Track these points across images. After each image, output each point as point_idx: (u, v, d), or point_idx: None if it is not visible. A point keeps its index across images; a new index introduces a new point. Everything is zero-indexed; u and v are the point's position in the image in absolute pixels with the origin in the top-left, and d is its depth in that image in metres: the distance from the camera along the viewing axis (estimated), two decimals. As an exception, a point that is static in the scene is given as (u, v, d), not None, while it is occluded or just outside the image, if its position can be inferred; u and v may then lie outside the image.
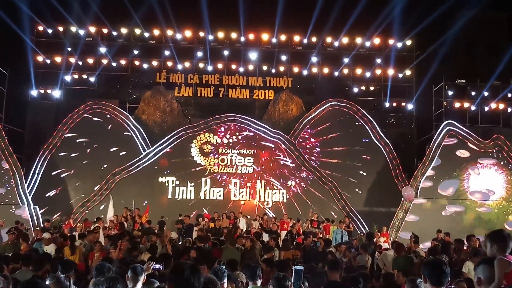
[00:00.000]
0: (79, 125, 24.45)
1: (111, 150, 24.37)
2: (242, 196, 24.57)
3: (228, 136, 24.94)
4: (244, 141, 24.94)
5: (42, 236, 13.83)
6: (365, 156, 24.85)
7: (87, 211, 23.13)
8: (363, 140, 25.09)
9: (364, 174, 24.72)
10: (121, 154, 24.29)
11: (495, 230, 5.41)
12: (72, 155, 24.05)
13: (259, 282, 6.48)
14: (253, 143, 24.93)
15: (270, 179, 24.70)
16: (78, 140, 24.23)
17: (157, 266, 7.42)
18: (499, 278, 4.73)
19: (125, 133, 24.61)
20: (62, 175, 23.91)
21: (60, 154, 23.99)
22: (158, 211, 21.45)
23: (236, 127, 25.03)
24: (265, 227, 19.46)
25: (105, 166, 24.08)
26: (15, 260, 9.11)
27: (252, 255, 12.26)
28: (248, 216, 21.80)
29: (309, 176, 24.64)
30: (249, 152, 24.85)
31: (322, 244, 13.95)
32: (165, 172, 24.42)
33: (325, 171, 24.54)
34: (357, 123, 25.32)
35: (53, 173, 23.73)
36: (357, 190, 24.64)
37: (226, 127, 25.01)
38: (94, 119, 24.63)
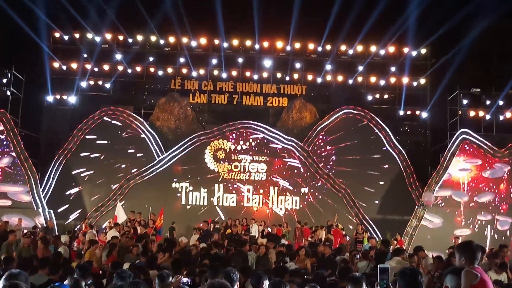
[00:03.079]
0: (94, 130, 24.62)
1: (125, 156, 24.55)
2: (255, 202, 24.61)
3: (241, 142, 25.00)
4: (257, 148, 25.00)
5: (62, 240, 14.28)
6: (379, 164, 24.79)
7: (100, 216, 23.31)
8: (384, 148, 25.02)
9: (378, 182, 24.63)
10: (135, 159, 24.50)
11: (464, 241, 5.50)
12: (86, 160, 24.22)
13: None
14: (266, 150, 24.97)
15: (283, 186, 24.71)
16: (92, 146, 24.40)
17: (185, 280, 7.29)
18: None
19: (137, 142, 24.79)
20: (76, 180, 24.09)
21: (75, 159, 24.15)
22: (171, 217, 21.51)
23: (250, 133, 25.10)
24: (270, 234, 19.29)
25: (119, 171, 24.30)
26: (30, 264, 9.20)
27: (265, 262, 12.25)
28: (263, 223, 21.70)
29: (322, 184, 24.61)
30: (262, 158, 24.89)
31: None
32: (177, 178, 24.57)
33: (338, 179, 24.49)
34: (371, 131, 25.26)
35: (67, 178, 23.92)
36: (370, 198, 24.54)
37: (240, 133, 25.09)
38: (109, 125, 24.80)
